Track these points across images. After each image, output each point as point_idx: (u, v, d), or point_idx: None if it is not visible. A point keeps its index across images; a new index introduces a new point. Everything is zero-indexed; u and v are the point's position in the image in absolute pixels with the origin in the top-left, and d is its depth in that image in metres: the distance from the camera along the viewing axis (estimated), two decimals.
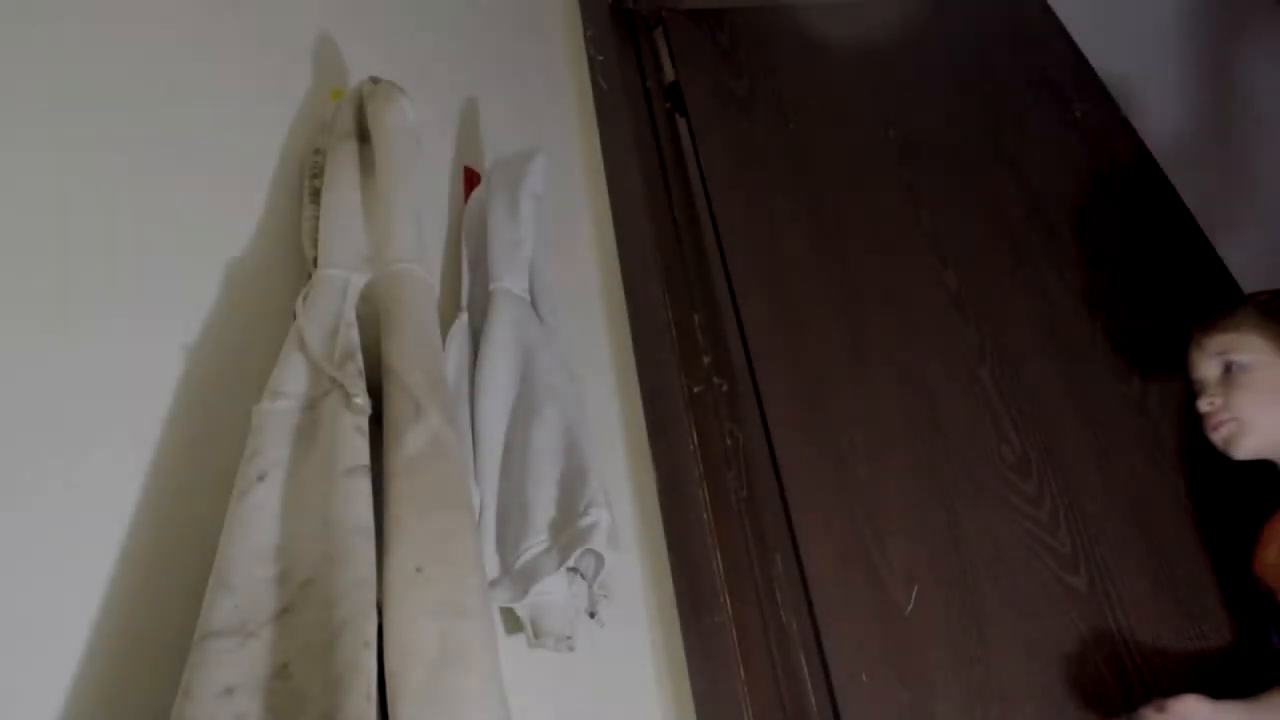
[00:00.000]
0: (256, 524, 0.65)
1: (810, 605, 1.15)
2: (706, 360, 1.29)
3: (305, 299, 0.79)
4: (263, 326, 0.81)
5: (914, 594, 1.18)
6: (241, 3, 1.00)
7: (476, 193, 1.14)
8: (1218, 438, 1.07)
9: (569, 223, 1.42)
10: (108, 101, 0.79)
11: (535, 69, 1.55)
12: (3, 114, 0.70)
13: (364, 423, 0.71)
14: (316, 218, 0.88)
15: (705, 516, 1.10)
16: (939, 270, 1.48)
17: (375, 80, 0.97)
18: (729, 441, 1.23)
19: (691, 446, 1.17)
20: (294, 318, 0.78)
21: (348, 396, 0.71)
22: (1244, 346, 1.05)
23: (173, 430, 0.70)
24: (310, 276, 0.83)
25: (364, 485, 0.67)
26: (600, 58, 1.59)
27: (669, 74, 1.72)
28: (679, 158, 1.61)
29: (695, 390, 1.24)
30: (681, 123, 1.67)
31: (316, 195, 0.90)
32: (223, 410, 0.74)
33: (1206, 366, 1.08)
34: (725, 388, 1.28)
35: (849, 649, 1.13)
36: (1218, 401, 1.06)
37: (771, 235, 1.47)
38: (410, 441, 0.69)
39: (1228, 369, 1.05)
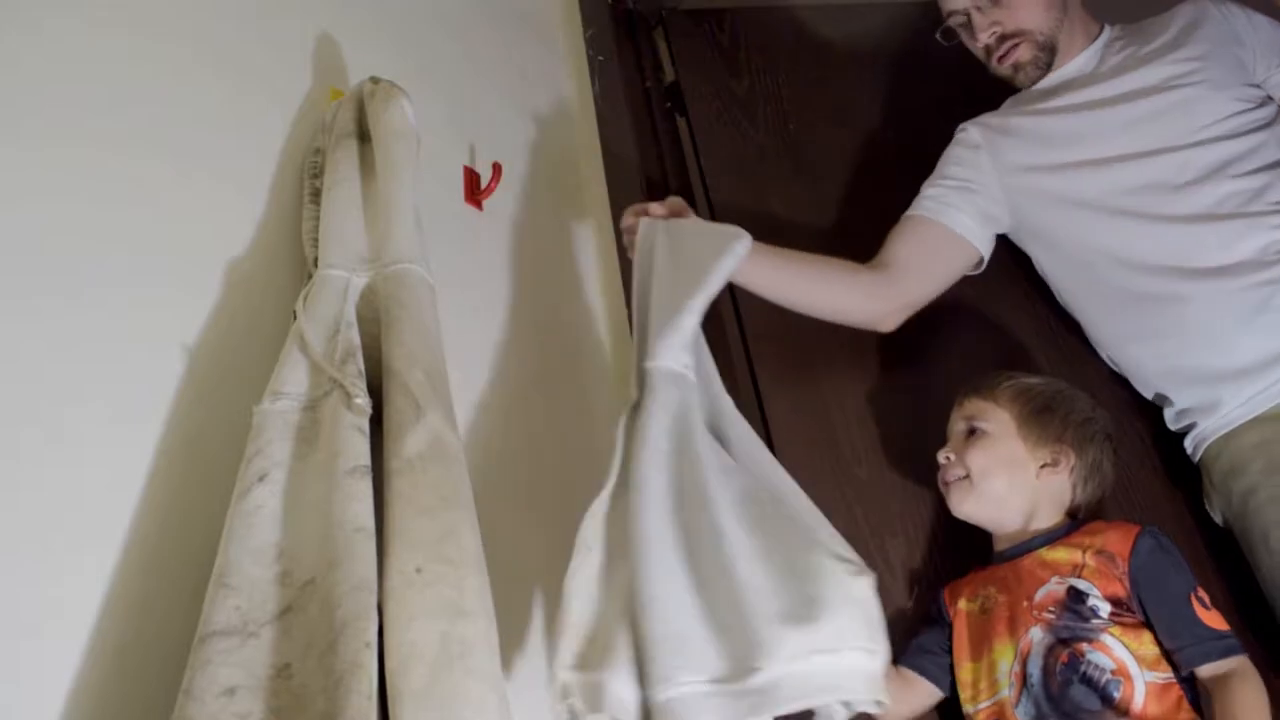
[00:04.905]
0: (257, 524, 0.65)
1: None
2: None
3: (306, 299, 0.79)
4: (263, 326, 0.81)
5: (914, 594, 1.18)
6: (242, 3, 1.00)
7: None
8: (950, 493, 1.12)
9: (570, 224, 1.42)
10: (108, 101, 0.79)
11: (535, 69, 1.55)
12: (4, 114, 0.70)
13: (364, 423, 0.71)
14: (316, 218, 0.88)
15: None
16: None
17: (375, 80, 0.97)
18: None
19: None
20: (294, 318, 0.78)
21: (348, 397, 0.71)
22: (991, 416, 1.12)
23: (173, 430, 0.70)
24: (310, 276, 0.83)
25: (365, 485, 0.67)
26: (600, 58, 1.59)
27: (669, 74, 1.72)
28: (679, 158, 1.61)
29: None
30: (681, 123, 1.67)
31: (316, 195, 0.90)
32: (223, 410, 0.74)
33: (955, 424, 1.16)
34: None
35: None
36: (952, 457, 1.12)
37: (771, 235, 1.47)
38: (411, 442, 0.69)
39: (971, 431, 1.12)
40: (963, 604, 1.08)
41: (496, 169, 1.20)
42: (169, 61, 0.87)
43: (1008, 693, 0.98)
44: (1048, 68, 1.37)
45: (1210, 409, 1.21)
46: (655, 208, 1.14)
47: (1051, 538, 1.06)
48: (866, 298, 1.27)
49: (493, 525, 0.74)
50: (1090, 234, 1.30)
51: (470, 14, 1.45)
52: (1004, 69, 1.39)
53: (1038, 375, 1.20)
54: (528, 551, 0.95)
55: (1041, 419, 1.12)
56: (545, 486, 1.05)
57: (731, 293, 1.41)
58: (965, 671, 1.04)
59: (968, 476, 1.09)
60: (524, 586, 0.95)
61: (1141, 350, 1.29)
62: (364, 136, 0.95)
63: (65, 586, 0.61)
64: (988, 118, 1.41)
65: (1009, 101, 1.44)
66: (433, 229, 0.94)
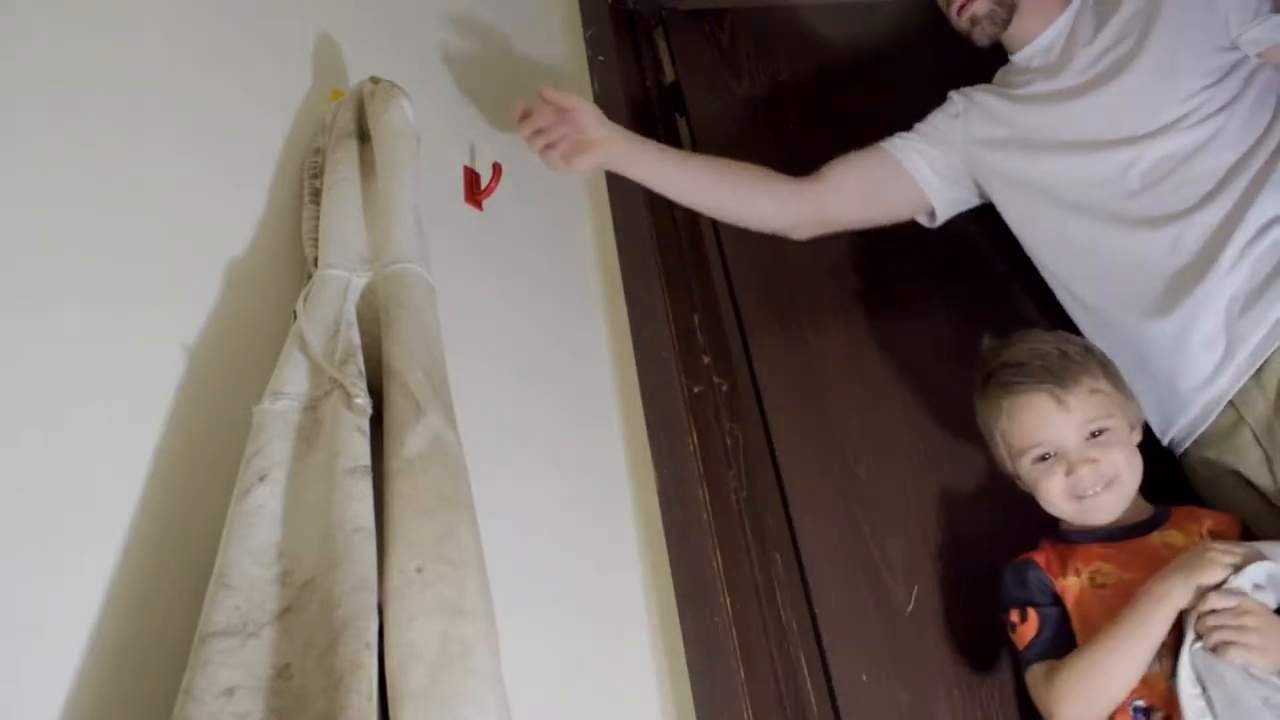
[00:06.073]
0: (257, 524, 0.65)
1: (810, 605, 1.15)
2: (706, 360, 1.29)
3: (306, 299, 0.79)
4: (263, 326, 0.81)
5: (914, 594, 1.18)
6: (242, 3, 1.00)
7: None
8: (1097, 502, 1.04)
9: (570, 223, 1.42)
10: (107, 101, 0.79)
11: (535, 69, 1.55)
12: (3, 115, 0.70)
13: (365, 423, 0.71)
14: (316, 218, 0.88)
15: (705, 516, 1.10)
16: (941, 270, 1.47)
17: (375, 80, 0.97)
18: (729, 441, 1.23)
19: (691, 446, 1.17)
20: (294, 318, 0.78)
21: (349, 397, 0.71)
22: (1107, 406, 1.05)
23: (173, 430, 0.70)
24: (310, 276, 0.83)
25: (365, 485, 0.67)
26: (600, 58, 1.59)
27: (669, 74, 1.72)
28: None
29: (695, 390, 1.24)
30: (681, 123, 1.67)
31: (316, 195, 0.90)
32: (223, 410, 0.74)
33: (1069, 430, 1.04)
34: (725, 388, 1.28)
35: (849, 649, 1.13)
36: (1104, 467, 1.03)
37: (771, 235, 1.47)
38: (411, 442, 0.69)
39: (1093, 434, 1.04)
40: (1070, 580, 1.04)
41: (496, 169, 1.20)
42: (169, 61, 0.87)
43: (1156, 666, 0.95)
44: (1005, 24, 1.34)
45: (1165, 429, 1.19)
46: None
47: (1158, 521, 1.06)
48: (782, 204, 1.31)
49: (492, 525, 0.74)
50: (1044, 224, 1.29)
51: (470, 14, 1.45)
52: (962, 22, 1.37)
53: (1050, 331, 1.15)
54: (528, 551, 0.95)
55: (1121, 381, 1.08)
56: (541, 485, 1.05)
57: (731, 293, 1.42)
58: None
59: (1116, 480, 1.04)
60: (524, 586, 0.95)
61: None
62: (364, 136, 0.95)
63: (65, 586, 0.61)
64: (974, 90, 1.40)
65: (997, 76, 1.43)
66: (433, 229, 0.94)
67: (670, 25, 1.77)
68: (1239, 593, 0.91)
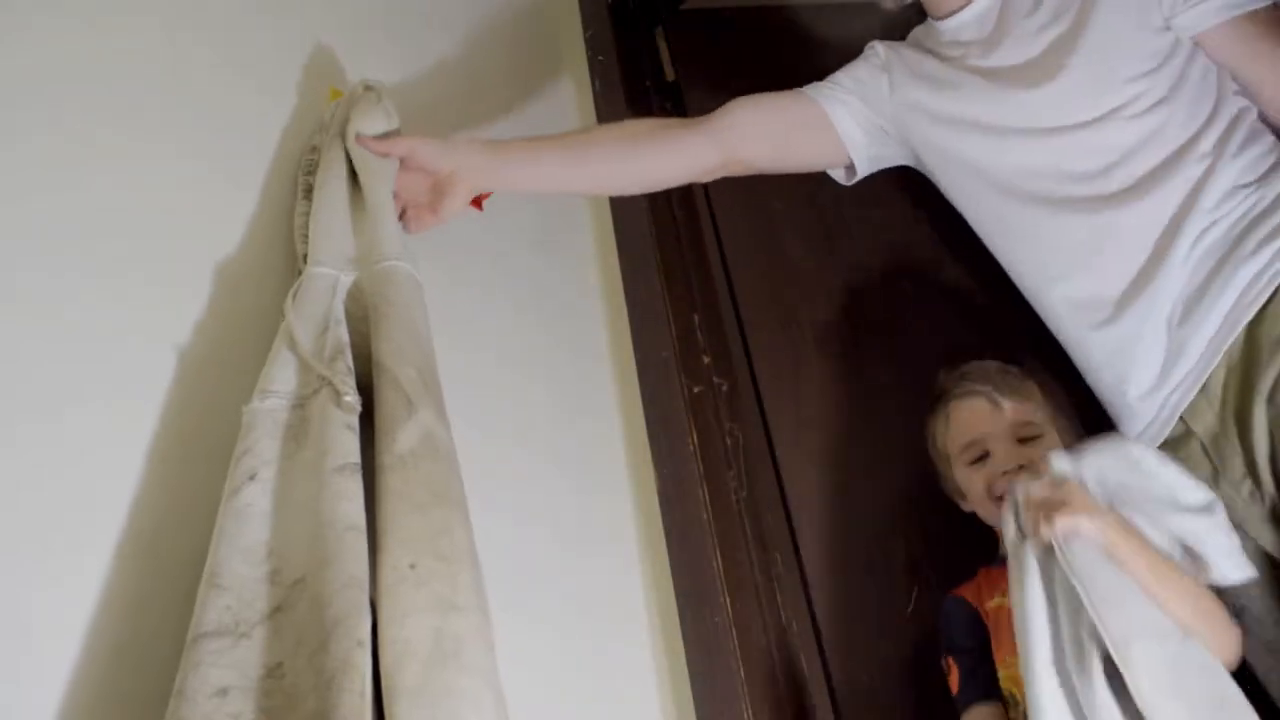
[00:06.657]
0: (248, 523, 0.65)
1: (810, 605, 1.15)
2: (706, 360, 1.29)
3: (294, 297, 0.79)
4: (255, 326, 0.81)
5: (914, 594, 1.18)
6: (242, 2, 1.00)
7: None
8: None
9: (570, 223, 1.42)
10: (108, 101, 0.79)
11: (535, 69, 1.55)
12: (3, 114, 0.70)
13: (354, 420, 0.71)
14: (309, 214, 0.88)
15: (705, 516, 1.10)
16: (938, 270, 1.47)
17: (368, 85, 0.97)
18: (729, 441, 1.23)
19: (691, 446, 1.16)
20: (284, 316, 0.78)
21: (337, 394, 0.71)
22: (1044, 421, 1.07)
23: (166, 429, 0.70)
24: (300, 274, 0.83)
25: (355, 483, 0.67)
26: (600, 58, 1.59)
27: (669, 74, 1.72)
28: None
29: (695, 390, 1.24)
30: None
31: (309, 192, 0.91)
32: (215, 410, 0.74)
33: (1001, 429, 1.07)
34: (725, 388, 1.28)
35: (849, 649, 1.13)
36: (1029, 466, 1.02)
37: (771, 235, 1.47)
38: (402, 438, 0.69)
39: (1022, 440, 1.06)
40: (996, 601, 1.03)
41: None
42: (168, 61, 0.87)
43: None
44: None
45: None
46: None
47: None
48: (683, 156, 1.21)
49: (492, 524, 0.74)
50: (983, 202, 1.23)
51: (470, 14, 1.45)
52: None
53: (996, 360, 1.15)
54: (528, 551, 0.95)
55: (1059, 407, 1.09)
56: (541, 485, 1.05)
57: (731, 293, 1.42)
58: (1016, 668, 0.97)
59: None
60: (524, 586, 0.95)
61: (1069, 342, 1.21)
62: None
63: (62, 587, 0.61)
64: (900, 46, 1.32)
65: (913, 35, 1.36)
66: (433, 229, 0.94)
67: (670, 25, 1.76)
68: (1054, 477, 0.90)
